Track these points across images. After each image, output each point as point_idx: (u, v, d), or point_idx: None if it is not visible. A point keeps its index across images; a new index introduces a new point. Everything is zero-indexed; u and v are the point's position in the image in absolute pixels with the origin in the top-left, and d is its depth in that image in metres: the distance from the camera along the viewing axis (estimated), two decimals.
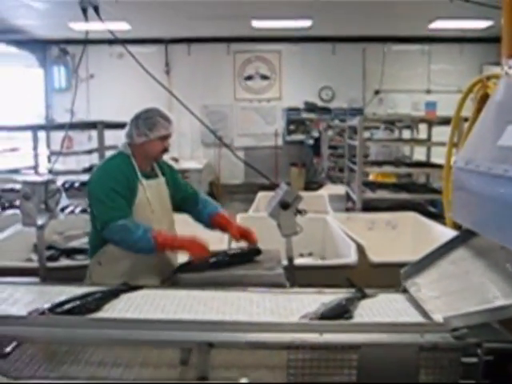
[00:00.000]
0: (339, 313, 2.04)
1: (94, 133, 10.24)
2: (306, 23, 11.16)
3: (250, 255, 2.82)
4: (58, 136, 12.86)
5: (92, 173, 2.99)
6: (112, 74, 12.97)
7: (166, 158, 3.16)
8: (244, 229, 3.08)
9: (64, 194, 2.79)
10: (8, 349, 2.14)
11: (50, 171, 2.86)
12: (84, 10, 2.55)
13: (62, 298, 2.19)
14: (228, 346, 1.87)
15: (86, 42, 2.70)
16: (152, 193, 2.95)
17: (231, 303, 2.25)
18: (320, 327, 1.85)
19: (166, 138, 2.96)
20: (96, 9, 2.55)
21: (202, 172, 11.29)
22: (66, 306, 2.11)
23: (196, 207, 3.24)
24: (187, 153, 13.28)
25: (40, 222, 2.66)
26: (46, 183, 2.62)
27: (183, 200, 3.21)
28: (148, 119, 2.89)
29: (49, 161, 8.70)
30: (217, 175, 13.26)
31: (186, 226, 3.20)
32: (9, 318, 1.98)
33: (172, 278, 2.73)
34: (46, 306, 2.08)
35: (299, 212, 2.73)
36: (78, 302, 2.15)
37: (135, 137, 2.91)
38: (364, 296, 2.26)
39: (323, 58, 13.19)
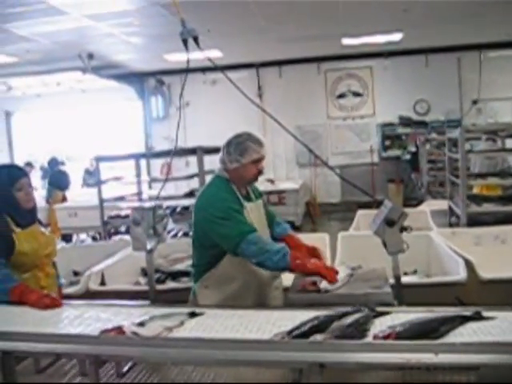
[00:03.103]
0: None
1: (190, 159, 10.58)
2: (397, 37, 10.99)
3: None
4: (156, 163, 13.47)
5: (197, 200, 2.98)
6: (206, 101, 13.37)
7: (261, 179, 3.16)
8: (312, 247, 3.05)
9: (170, 219, 2.88)
10: (125, 368, 2.24)
11: (157, 197, 2.96)
12: (185, 42, 2.65)
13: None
14: (340, 366, 1.84)
15: (188, 70, 2.79)
16: (254, 216, 2.96)
17: None
18: (435, 347, 1.77)
19: (258, 161, 2.95)
20: (196, 39, 2.65)
21: (298, 192, 11.28)
22: None
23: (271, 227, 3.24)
24: (283, 174, 13.40)
25: (149, 246, 2.76)
26: (154, 209, 2.73)
27: (270, 224, 3.21)
28: (239, 144, 2.90)
29: (149, 187, 9.07)
30: (313, 195, 13.24)
31: None
32: (124, 339, 2.05)
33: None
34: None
35: (404, 229, 2.66)
36: None
37: (228, 163, 2.93)
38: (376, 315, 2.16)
39: (416, 71, 12.89)
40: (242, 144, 2.90)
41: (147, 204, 2.91)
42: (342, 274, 2.72)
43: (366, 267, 3.02)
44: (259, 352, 1.83)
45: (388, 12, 8.92)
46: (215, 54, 10.90)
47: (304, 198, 12.35)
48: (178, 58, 11.27)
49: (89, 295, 3.91)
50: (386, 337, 1.87)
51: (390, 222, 2.59)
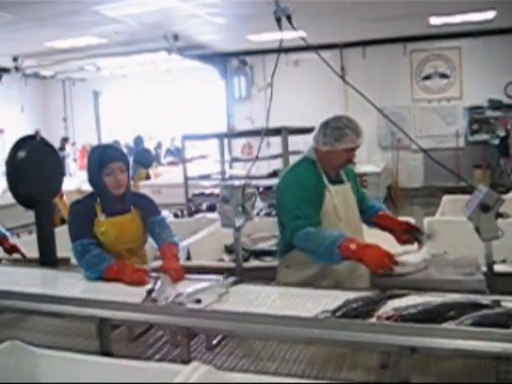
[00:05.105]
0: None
1: (272, 139, 10.62)
2: (489, 15, 10.52)
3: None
4: (237, 143, 13.62)
5: (279, 180, 3.07)
6: (288, 82, 13.26)
7: None
8: (408, 224, 3.08)
9: (259, 198, 2.90)
10: (214, 341, 2.30)
11: (247, 176, 2.99)
12: (278, 20, 2.64)
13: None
14: (432, 352, 1.80)
15: (280, 50, 2.79)
16: (339, 199, 2.93)
17: None
18: None
19: (352, 149, 2.90)
20: (289, 18, 2.64)
21: (380, 176, 11.13)
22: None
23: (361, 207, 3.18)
24: (364, 156, 13.12)
25: (237, 223, 2.79)
26: (243, 187, 2.76)
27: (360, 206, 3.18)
28: (337, 129, 2.85)
29: (230, 166, 9.17)
30: (395, 179, 13.01)
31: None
32: (215, 313, 2.11)
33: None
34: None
35: (500, 215, 2.56)
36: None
37: (321, 144, 2.91)
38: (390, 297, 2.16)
39: (508, 51, 12.27)
40: (340, 130, 2.84)
41: (236, 182, 2.94)
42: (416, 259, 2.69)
43: (454, 254, 2.93)
44: (351, 333, 1.82)
45: None
46: (299, 35, 10.82)
47: (386, 181, 12.16)
48: (261, 38, 11.28)
49: None
50: (389, 318, 1.90)
51: (485, 208, 2.50)
